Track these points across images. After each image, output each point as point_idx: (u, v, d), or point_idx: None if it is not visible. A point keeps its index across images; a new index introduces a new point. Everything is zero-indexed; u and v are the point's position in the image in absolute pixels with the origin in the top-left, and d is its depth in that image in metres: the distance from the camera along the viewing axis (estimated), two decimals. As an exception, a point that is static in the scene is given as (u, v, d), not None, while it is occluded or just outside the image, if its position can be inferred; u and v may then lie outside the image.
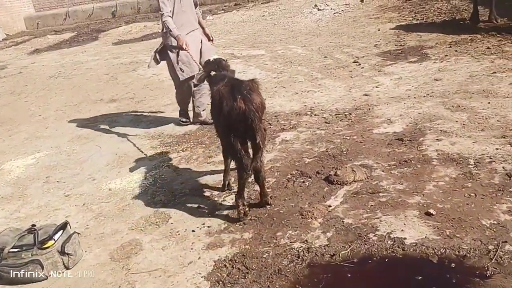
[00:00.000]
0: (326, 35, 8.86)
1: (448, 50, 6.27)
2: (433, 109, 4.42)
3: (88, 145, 4.89)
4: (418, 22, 8.56)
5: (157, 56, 4.64)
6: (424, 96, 4.79)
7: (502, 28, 6.93)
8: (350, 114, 4.70)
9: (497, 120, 3.95)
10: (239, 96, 2.73)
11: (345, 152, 3.84)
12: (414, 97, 4.82)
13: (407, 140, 3.88)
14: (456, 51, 6.14)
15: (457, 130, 3.91)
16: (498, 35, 6.51)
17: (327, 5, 12.15)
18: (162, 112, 5.69)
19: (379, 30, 8.40)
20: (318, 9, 12.11)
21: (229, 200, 3.33)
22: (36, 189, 4.01)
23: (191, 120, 5.04)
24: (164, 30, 4.46)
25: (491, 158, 3.34)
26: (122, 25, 14.58)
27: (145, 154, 4.43)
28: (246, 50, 8.50)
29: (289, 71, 6.62)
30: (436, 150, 3.61)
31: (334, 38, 8.37)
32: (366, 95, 5.17)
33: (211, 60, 3.56)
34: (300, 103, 5.24)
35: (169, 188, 3.67)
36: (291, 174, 3.59)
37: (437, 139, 3.80)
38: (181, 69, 4.50)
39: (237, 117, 2.75)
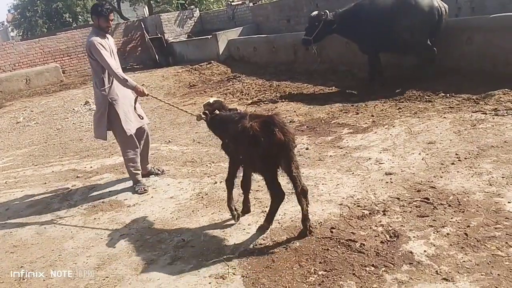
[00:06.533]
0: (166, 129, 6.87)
1: (367, 117, 5.80)
2: (508, 170, 3.73)
3: None
4: (259, 99, 8.02)
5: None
6: (459, 160, 4.05)
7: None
8: (427, 199, 3.48)
9: None
10: (276, 129, 2.90)
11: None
12: (453, 164, 4.00)
13: None
14: (389, 114, 5.77)
15: None
16: (380, 99, 6.51)
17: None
18: None
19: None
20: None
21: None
22: None
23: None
24: (107, 86, 4.37)
25: None
26: None
27: None
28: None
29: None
30: None
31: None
32: (389, 174, 4.05)
33: (211, 101, 3.61)
34: (333, 205, 3.63)
35: None
36: None
37: None
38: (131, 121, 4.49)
39: (277, 147, 2.93)
